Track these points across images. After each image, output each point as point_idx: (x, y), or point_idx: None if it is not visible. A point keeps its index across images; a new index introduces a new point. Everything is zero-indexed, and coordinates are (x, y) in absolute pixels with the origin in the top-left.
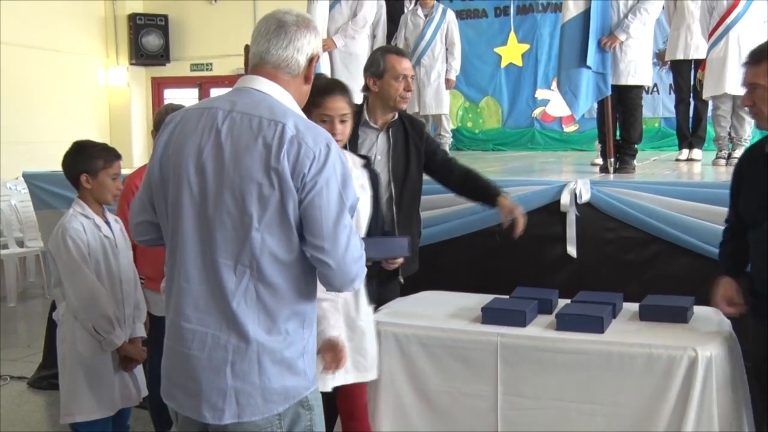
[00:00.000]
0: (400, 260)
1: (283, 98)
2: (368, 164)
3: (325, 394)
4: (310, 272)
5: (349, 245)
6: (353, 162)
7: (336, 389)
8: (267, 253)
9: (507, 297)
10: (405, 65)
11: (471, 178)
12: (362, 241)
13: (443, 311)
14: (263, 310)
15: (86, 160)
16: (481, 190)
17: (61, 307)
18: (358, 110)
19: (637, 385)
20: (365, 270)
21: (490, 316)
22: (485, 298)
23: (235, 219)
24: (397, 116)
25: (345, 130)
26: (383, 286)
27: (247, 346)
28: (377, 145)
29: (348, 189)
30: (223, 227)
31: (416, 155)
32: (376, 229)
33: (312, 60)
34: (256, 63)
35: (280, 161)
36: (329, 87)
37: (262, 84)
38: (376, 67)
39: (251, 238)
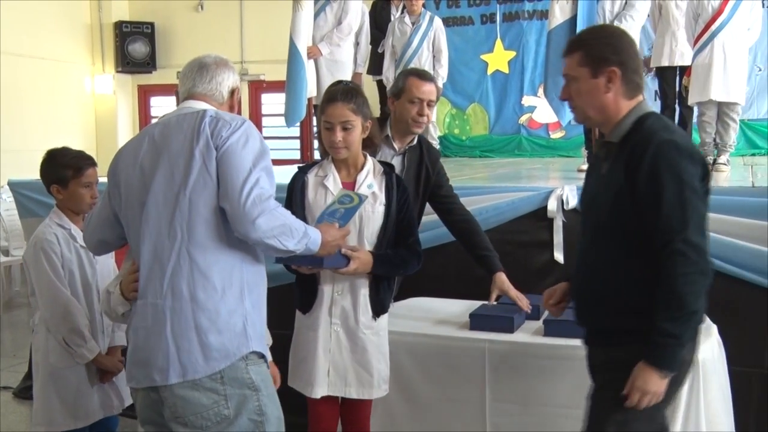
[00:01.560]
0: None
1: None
2: (389, 173)
3: (308, 399)
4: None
5: (251, 193)
6: (374, 169)
7: (342, 398)
8: (197, 217)
9: (495, 303)
10: (425, 89)
11: (472, 233)
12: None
13: (431, 318)
14: (197, 270)
15: (55, 170)
16: (479, 252)
17: (36, 316)
18: (381, 125)
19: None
20: (273, 218)
21: (478, 322)
22: (473, 305)
23: (167, 193)
24: (416, 141)
25: (348, 137)
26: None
27: (182, 306)
28: None
29: (263, 155)
30: (159, 205)
31: (425, 184)
32: (385, 240)
33: (233, 92)
34: (186, 96)
35: (201, 134)
36: (332, 95)
37: (194, 103)
38: (395, 88)
39: (180, 203)
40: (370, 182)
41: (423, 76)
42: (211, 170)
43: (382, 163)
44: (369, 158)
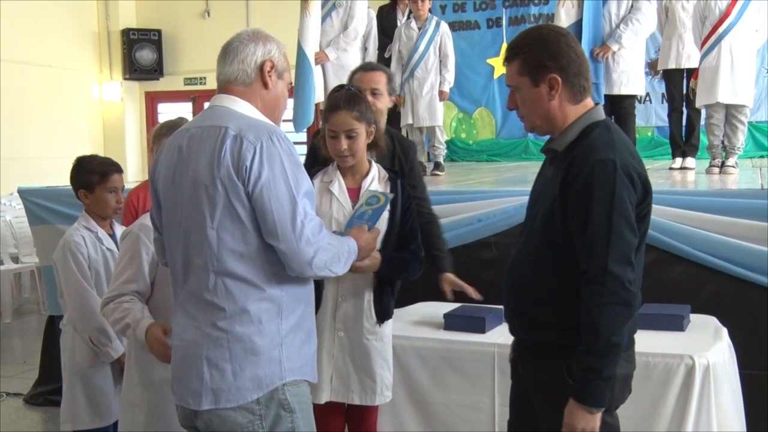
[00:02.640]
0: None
1: (236, 106)
2: (395, 179)
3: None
4: (276, 261)
5: (304, 230)
6: (378, 175)
7: (349, 405)
8: (225, 249)
9: (476, 305)
10: (367, 77)
11: (431, 234)
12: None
13: (439, 322)
14: (232, 301)
15: (83, 176)
16: (433, 252)
17: (65, 317)
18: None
19: (635, 393)
20: (326, 252)
21: (451, 322)
22: (480, 309)
23: (196, 222)
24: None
25: (353, 145)
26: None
27: (218, 335)
28: None
29: (298, 176)
30: (190, 231)
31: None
32: (389, 246)
33: (262, 66)
34: (217, 87)
35: (222, 162)
36: (335, 103)
37: (221, 99)
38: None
39: (208, 237)
40: (376, 188)
41: (365, 67)
42: (237, 206)
43: (387, 169)
44: (374, 164)
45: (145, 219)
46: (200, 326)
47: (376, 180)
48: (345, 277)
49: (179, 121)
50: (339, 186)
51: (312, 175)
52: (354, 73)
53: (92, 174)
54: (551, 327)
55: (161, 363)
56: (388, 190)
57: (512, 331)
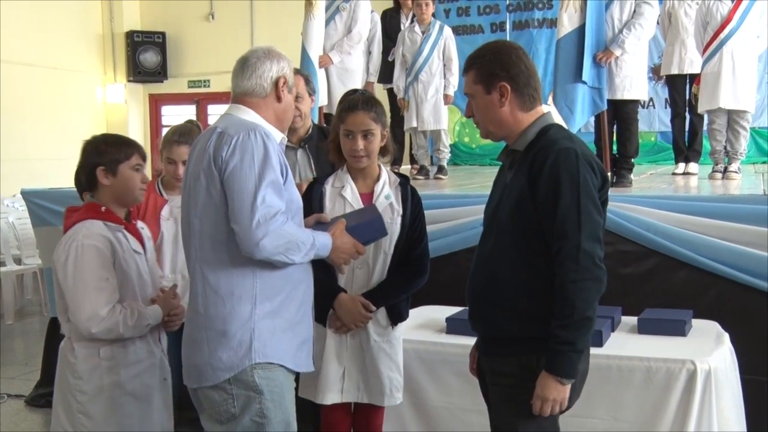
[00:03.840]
0: None
1: (242, 114)
2: (405, 183)
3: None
4: None
5: (256, 213)
6: (389, 180)
7: (355, 407)
8: (206, 236)
9: None
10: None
11: None
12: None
13: (443, 326)
14: (208, 286)
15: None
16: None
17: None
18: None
19: (636, 398)
20: (279, 238)
21: (454, 326)
22: None
23: (186, 212)
24: (311, 130)
25: (369, 145)
26: None
27: (198, 320)
28: (298, 164)
29: (265, 168)
30: (185, 221)
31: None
32: (397, 251)
33: (278, 81)
34: (232, 97)
35: (205, 155)
36: (353, 103)
37: (231, 109)
38: None
39: (192, 225)
40: (388, 193)
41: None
42: (214, 193)
43: (398, 174)
44: (384, 168)
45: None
46: (190, 309)
47: (387, 185)
48: (357, 278)
49: (188, 126)
50: (351, 191)
51: (323, 181)
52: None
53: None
54: (531, 318)
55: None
56: (399, 195)
57: (482, 328)
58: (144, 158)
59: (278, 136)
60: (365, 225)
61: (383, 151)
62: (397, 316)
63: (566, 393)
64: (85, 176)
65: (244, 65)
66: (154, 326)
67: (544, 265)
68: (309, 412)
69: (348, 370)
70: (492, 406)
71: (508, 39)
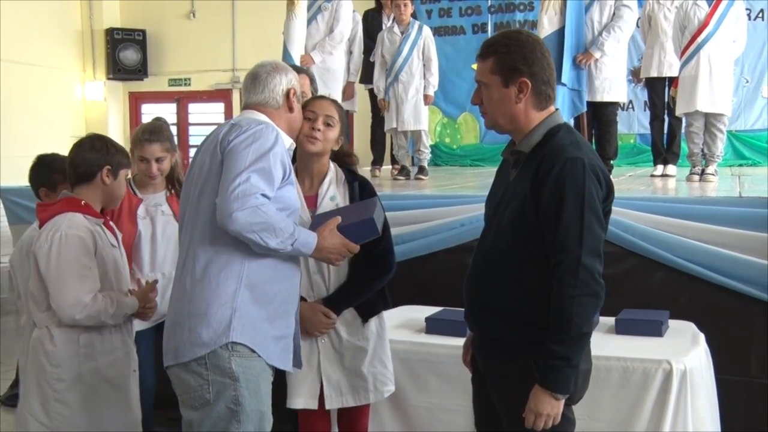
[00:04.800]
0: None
1: (259, 116)
2: (352, 180)
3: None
4: None
5: (237, 188)
6: (336, 178)
7: (339, 409)
8: (203, 212)
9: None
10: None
11: None
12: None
13: (422, 326)
14: (198, 265)
15: (44, 175)
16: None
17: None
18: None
19: (613, 397)
20: (256, 216)
21: (433, 326)
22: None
23: (192, 195)
24: None
25: (327, 134)
26: None
27: (182, 297)
28: None
29: (261, 158)
30: (188, 204)
31: None
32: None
33: (288, 93)
34: (244, 105)
35: (215, 139)
36: (320, 95)
37: (247, 112)
38: None
39: (197, 203)
40: (333, 194)
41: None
42: (214, 171)
43: (346, 171)
44: (332, 165)
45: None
46: (176, 289)
47: (333, 184)
48: (316, 284)
49: (158, 124)
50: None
51: None
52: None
53: (56, 173)
54: (525, 323)
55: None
56: (346, 193)
57: (478, 329)
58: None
59: (287, 142)
60: (357, 225)
61: (348, 159)
62: (367, 312)
63: (560, 408)
64: (84, 170)
65: (255, 80)
66: (127, 318)
67: (539, 273)
68: (288, 413)
69: (326, 376)
70: (498, 404)
71: None
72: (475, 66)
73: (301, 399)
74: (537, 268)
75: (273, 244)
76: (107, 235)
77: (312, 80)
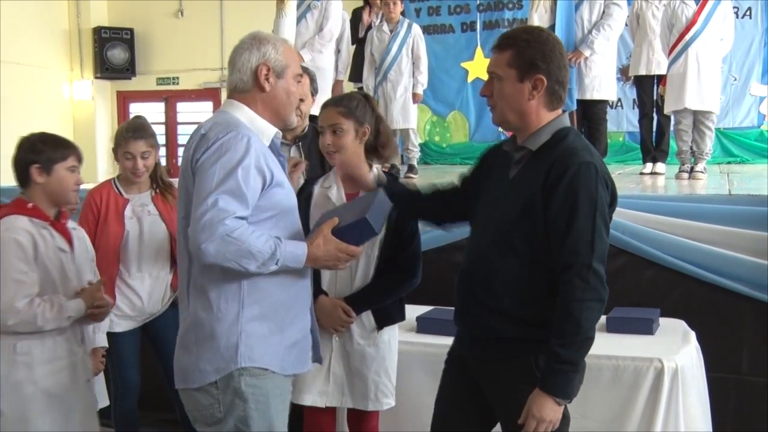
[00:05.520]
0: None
1: (233, 110)
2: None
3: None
4: None
5: (204, 216)
6: (379, 179)
7: (348, 408)
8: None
9: (447, 308)
10: None
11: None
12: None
13: (412, 325)
14: (198, 289)
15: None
16: None
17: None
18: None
19: (605, 396)
20: (226, 244)
21: (424, 325)
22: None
23: (180, 219)
24: (306, 129)
25: (338, 141)
26: None
27: (188, 321)
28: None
29: (229, 174)
30: (179, 228)
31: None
32: (386, 252)
33: (257, 71)
34: (227, 96)
35: (188, 154)
36: (326, 101)
37: (224, 104)
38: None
39: (182, 227)
40: None
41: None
42: (191, 193)
43: (388, 173)
44: (374, 168)
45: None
46: (181, 312)
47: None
48: (341, 280)
49: (140, 122)
50: (337, 191)
51: (313, 182)
52: None
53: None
54: (529, 322)
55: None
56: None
57: (475, 327)
58: (80, 160)
59: (270, 132)
60: (351, 227)
61: (376, 152)
62: (384, 319)
63: (560, 413)
64: (18, 172)
65: (230, 62)
66: (77, 326)
67: (543, 272)
68: (298, 412)
69: (333, 373)
70: (497, 405)
71: (478, 39)
72: (464, 64)
73: (310, 396)
74: (541, 268)
75: (253, 268)
76: (55, 239)
77: (312, 80)
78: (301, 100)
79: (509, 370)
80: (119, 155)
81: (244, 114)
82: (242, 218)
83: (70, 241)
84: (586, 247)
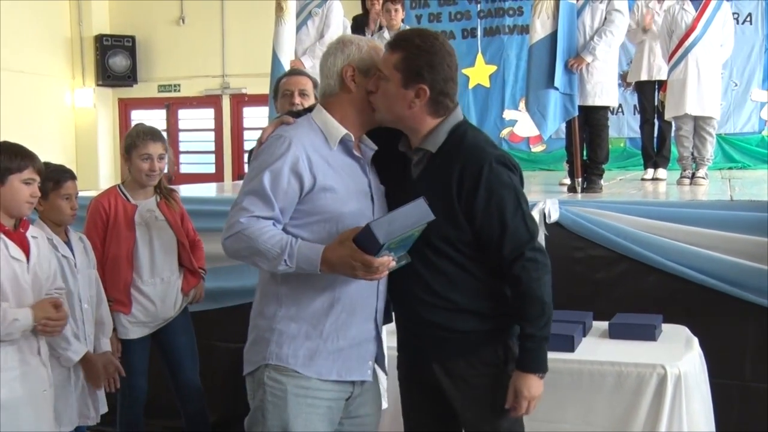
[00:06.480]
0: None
1: (315, 115)
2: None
3: None
4: None
5: (229, 215)
6: None
7: None
8: None
9: None
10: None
11: None
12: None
13: None
14: (258, 286)
15: None
16: None
17: None
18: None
19: (608, 403)
20: (238, 241)
21: None
22: None
23: None
24: None
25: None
26: None
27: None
28: None
29: (254, 175)
30: None
31: None
32: None
33: (343, 72)
34: None
35: None
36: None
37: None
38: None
39: None
40: None
41: (291, 72)
42: None
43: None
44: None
45: None
46: None
47: None
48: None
49: (151, 126)
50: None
51: None
52: (281, 78)
53: (46, 181)
54: (477, 314)
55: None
56: None
57: (426, 326)
58: (39, 173)
59: (338, 133)
60: (361, 234)
61: None
62: None
63: (542, 385)
64: None
65: (320, 68)
66: (32, 337)
67: (478, 267)
68: None
69: None
70: (460, 409)
71: (479, 45)
72: (465, 71)
73: None
74: (475, 263)
75: (266, 266)
76: (9, 248)
77: (316, 85)
78: (302, 95)
79: (473, 365)
80: (134, 157)
81: (320, 117)
82: (266, 218)
83: (27, 251)
84: (525, 235)
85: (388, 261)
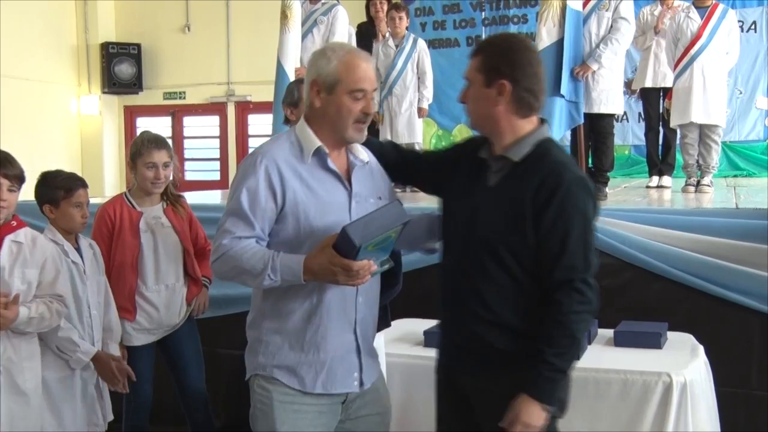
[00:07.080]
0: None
1: (296, 127)
2: None
3: None
4: None
5: (215, 236)
6: None
7: None
8: None
9: None
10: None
11: None
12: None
13: (420, 339)
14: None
15: (48, 191)
16: None
17: None
18: None
19: (613, 410)
20: (223, 264)
21: (431, 339)
22: None
23: None
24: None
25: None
26: None
27: None
28: None
29: (235, 194)
30: None
31: None
32: None
33: (311, 87)
34: None
35: None
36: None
37: None
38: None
39: None
40: None
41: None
42: None
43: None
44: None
45: None
46: None
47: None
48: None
49: (156, 134)
50: None
51: None
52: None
53: (57, 189)
54: (525, 335)
55: None
56: None
57: (471, 340)
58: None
59: (311, 146)
60: (339, 238)
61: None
62: None
63: (544, 422)
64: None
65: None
66: None
67: (532, 284)
68: None
69: None
70: (487, 419)
71: None
72: None
73: None
74: (530, 279)
75: (253, 284)
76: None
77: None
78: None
79: (502, 387)
80: (139, 165)
81: (300, 129)
82: (247, 237)
83: None
84: (581, 263)
85: (368, 264)
